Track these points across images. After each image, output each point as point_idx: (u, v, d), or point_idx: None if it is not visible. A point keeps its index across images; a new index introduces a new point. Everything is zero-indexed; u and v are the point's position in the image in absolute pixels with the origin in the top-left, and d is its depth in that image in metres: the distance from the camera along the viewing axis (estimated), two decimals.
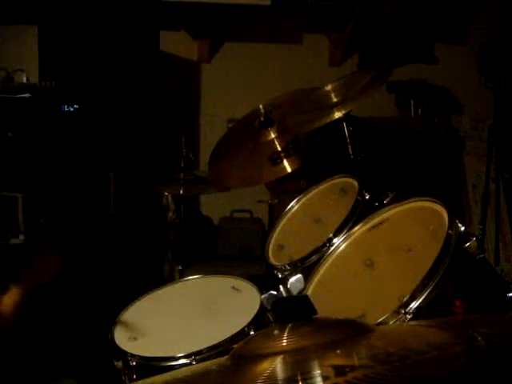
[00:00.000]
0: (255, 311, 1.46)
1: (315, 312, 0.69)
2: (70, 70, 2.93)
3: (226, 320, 1.50)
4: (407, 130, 3.60)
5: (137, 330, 1.51)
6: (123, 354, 1.43)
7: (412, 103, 3.76)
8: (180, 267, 2.21)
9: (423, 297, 1.08)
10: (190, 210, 2.96)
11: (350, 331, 0.66)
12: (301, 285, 1.40)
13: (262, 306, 1.44)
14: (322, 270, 1.43)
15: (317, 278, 1.42)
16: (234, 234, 3.65)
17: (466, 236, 1.17)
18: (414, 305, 1.08)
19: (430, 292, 1.08)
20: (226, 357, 0.69)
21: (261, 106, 2.05)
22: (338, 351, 0.62)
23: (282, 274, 1.59)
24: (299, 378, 0.57)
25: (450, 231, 1.16)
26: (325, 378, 0.55)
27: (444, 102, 3.80)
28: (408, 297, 1.09)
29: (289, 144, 1.96)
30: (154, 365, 1.38)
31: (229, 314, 1.53)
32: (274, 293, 1.39)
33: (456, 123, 3.67)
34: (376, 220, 1.43)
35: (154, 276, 2.77)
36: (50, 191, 2.65)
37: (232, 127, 2.22)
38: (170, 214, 2.32)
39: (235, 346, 0.74)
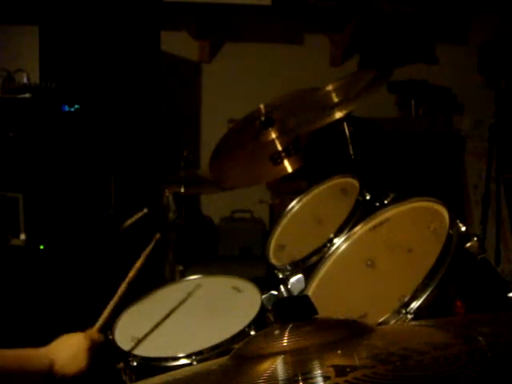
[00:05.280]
0: (256, 311, 1.46)
1: (316, 312, 0.69)
2: (70, 70, 2.93)
3: (226, 320, 1.50)
4: (408, 130, 3.60)
5: (137, 330, 1.51)
6: (124, 355, 1.43)
7: (413, 103, 3.76)
8: (181, 267, 2.21)
9: (424, 297, 1.08)
10: (191, 210, 2.96)
11: (351, 331, 0.66)
12: (301, 285, 1.40)
13: (262, 306, 1.44)
14: (322, 271, 1.43)
15: (317, 278, 1.42)
16: (235, 234, 3.65)
17: (466, 236, 1.17)
18: (414, 305, 1.08)
19: (430, 292, 1.08)
20: (227, 357, 0.69)
21: (261, 106, 2.05)
22: (339, 351, 0.61)
23: (282, 274, 1.59)
24: (300, 378, 0.57)
25: (450, 231, 1.16)
26: (325, 378, 0.55)
27: (445, 101, 3.79)
28: (409, 297, 1.09)
29: (289, 144, 1.96)
30: (154, 365, 1.38)
31: (229, 314, 1.53)
32: (275, 293, 1.39)
33: (457, 123, 3.67)
34: (377, 220, 1.42)
35: (155, 276, 2.77)
36: (50, 191, 2.65)
37: (232, 127, 2.22)
38: (171, 214, 2.32)
39: (236, 346, 0.74)
